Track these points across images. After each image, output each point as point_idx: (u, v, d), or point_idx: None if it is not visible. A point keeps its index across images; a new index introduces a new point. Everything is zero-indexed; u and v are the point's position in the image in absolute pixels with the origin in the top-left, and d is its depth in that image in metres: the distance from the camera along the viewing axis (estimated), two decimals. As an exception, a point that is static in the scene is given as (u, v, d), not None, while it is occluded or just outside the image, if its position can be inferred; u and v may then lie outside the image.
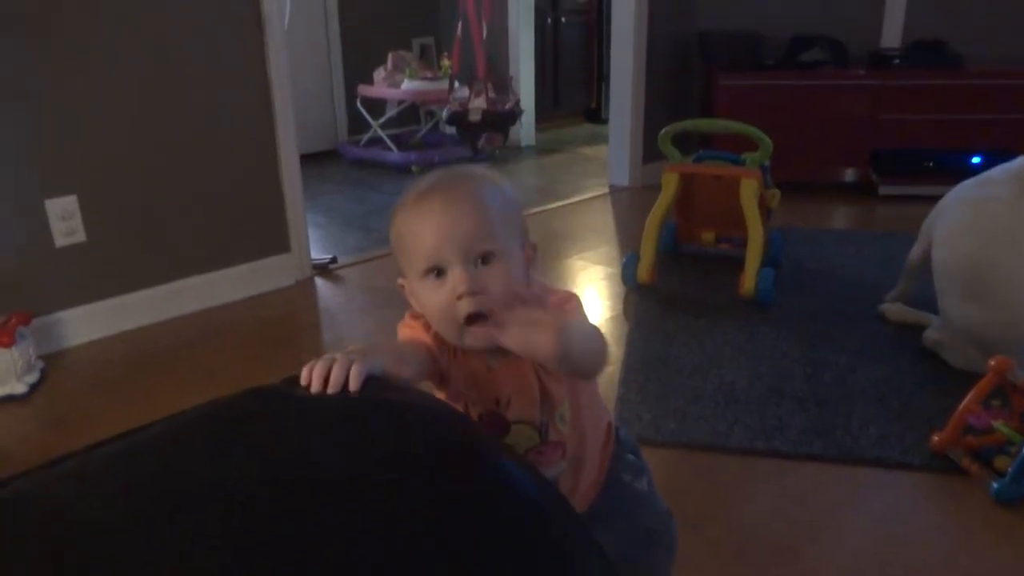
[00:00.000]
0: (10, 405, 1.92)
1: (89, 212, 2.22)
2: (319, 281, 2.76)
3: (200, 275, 2.48)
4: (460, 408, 0.90)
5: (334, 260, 2.88)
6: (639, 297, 2.52)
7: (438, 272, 0.81)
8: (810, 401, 1.85)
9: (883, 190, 3.56)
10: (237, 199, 2.54)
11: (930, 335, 2.07)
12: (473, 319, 0.80)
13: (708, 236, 2.68)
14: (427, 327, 0.88)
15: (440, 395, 0.92)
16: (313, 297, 2.66)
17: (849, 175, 3.68)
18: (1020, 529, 1.44)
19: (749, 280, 2.37)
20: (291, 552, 0.55)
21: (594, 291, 2.60)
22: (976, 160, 3.34)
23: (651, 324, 2.32)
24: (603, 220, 3.48)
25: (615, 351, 2.10)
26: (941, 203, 2.14)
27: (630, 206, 3.63)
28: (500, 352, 0.84)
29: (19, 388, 1.95)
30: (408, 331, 0.89)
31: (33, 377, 1.99)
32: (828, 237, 3.09)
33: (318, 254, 2.89)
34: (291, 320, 2.49)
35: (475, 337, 0.81)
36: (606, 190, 3.89)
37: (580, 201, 3.71)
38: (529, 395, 0.89)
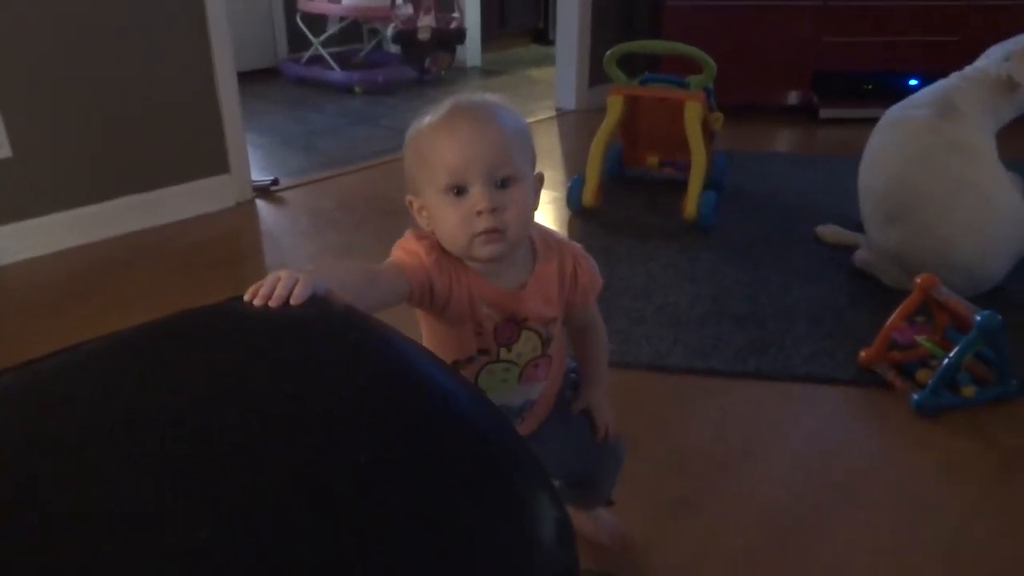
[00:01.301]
0: (-62, 328, 1.87)
1: (14, 127, 2.12)
2: (260, 203, 2.70)
3: (135, 195, 2.40)
4: (468, 329, 0.91)
5: (275, 182, 2.82)
6: (584, 221, 2.53)
7: (458, 190, 0.84)
8: (748, 321, 1.91)
9: (824, 113, 3.59)
10: (172, 117, 2.45)
11: (860, 255, 2.13)
12: (489, 232, 0.84)
13: (653, 160, 2.69)
14: (430, 249, 0.88)
15: (434, 321, 0.93)
16: (254, 219, 2.61)
17: (792, 98, 3.70)
18: (938, 438, 1.53)
19: (691, 203, 2.40)
20: (239, 484, 0.55)
21: (539, 215, 2.60)
22: (914, 82, 3.38)
23: (596, 248, 2.32)
24: (549, 144, 3.46)
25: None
26: (875, 128, 2.16)
27: (576, 129, 3.61)
28: (508, 271, 0.90)
29: (-53, 312, 1.89)
30: (401, 253, 0.89)
31: (-39, 301, 1.93)
32: (770, 160, 3.13)
33: (259, 175, 2.82)
34: (231, 242, 2.44)
35: (484, 244, 0.84)
36: (553, 113, 3.85)
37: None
38: (548, 310, 0.94)
